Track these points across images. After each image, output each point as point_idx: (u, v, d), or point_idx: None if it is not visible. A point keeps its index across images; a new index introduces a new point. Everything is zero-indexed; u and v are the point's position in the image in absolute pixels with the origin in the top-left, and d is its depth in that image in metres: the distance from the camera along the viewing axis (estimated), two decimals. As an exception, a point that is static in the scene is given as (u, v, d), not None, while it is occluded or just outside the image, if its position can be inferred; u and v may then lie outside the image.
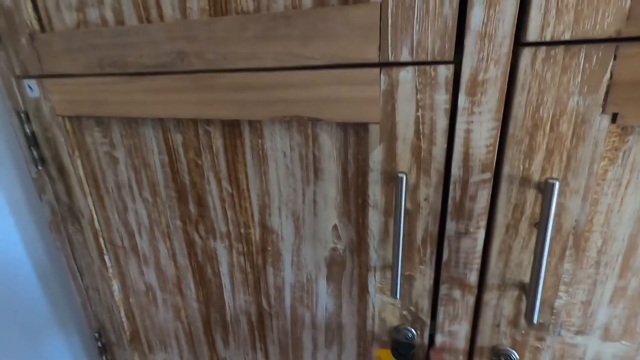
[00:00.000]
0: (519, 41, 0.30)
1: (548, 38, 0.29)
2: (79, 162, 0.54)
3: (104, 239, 0.59)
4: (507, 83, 0.31)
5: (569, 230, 0.34)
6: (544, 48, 0.29)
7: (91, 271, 0.62)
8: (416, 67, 0.33)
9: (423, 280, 0.40)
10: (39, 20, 0.47)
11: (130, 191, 0.53)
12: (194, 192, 0.49)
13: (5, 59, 0.51)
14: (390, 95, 0.34)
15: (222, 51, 0.39)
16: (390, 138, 0.36)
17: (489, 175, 0.34)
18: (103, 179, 0.54)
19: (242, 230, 0.48)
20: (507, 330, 0.39)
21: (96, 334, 0.69)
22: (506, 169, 0.33)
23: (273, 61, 0.37)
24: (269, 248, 0.48)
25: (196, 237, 0.52)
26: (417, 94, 0.34)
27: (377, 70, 0.34)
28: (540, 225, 0.31)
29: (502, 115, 0.32)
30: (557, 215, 0.33)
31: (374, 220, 0.40)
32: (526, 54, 0.30)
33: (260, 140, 0.43)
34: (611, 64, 0.28)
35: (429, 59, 0.32)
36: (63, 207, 0.58)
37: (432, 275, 0.40)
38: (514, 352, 0.39)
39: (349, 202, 0.41)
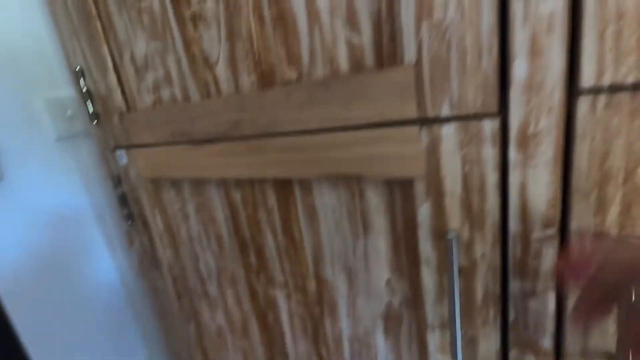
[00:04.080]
0: (574, 88, 0.27)
1: (607, 83, 0.26)
2: (158, 217, 0.62)
3: (180, 284, 0.65)
4: (565, 132, 0.28)
5: (665, 294, 0.28)
6: (604, 93, 0.26)
7: (171, 313, 0.69)
8: (458, 122, 0.32)
9: (488, 343, 0.37)
10: (126, 102, 0.57)
11: (200, 242, 0.59)
12: (254, 244, 0.52)
13: (102, 135, 0.61)
14: (433, 151, 0.34)
15: (271, 118, 0.42)
16: (437, 194, 0.35)
17: (553, 231, 0.31)
18: (178, 232, 0.61)
19: (299, 281, 0.50)
20: (599, 407, 0.33)
21: (177, 370, 0.75)
22: (574, 224, 0.30)
23: (317, 124, 0.39)
24: (325, 299, 0.48)
25: (258, 286, 0.55)
26: (461, 148, 0.32)
27: (417, 127, 0.34)
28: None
29: (562, 167, 0.29)
30: (647, 277, 0.28)
31: (428, 276, 0.38)
32: (583, 101, 0.27)
33: (310, 197, 0.44)
34: (695, 105, 0.24)
35: (472, 112, 0.31)
36: (147, 256, 0.66)
37: (499, 337, 0.36)
38: None
39: (400, 256, 0.40)
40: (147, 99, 0.54)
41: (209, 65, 0.45)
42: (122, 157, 0.60)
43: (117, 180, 0.63)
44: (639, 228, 0.28)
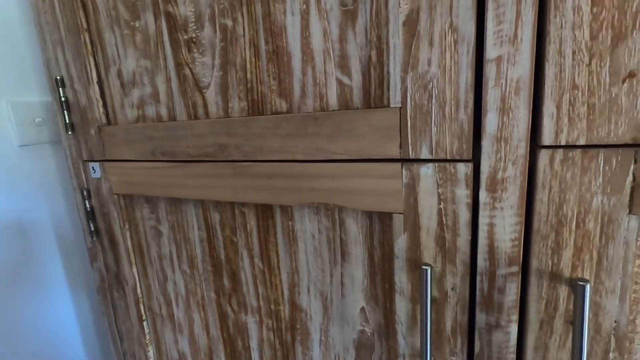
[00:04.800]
0: (536, 143, 0.31)
1: (563, 142, 0.30)
2: (128, 234, 0.60)
3: (144, 305, 0.63)
4: (528, 181, 0.32)
5: (609, 330, 0.32)
6: (561, 150, 0.30)
7: (130, 336, 0.65)
8: (436, 163, 0.35)
9: (455, 373, 0.38)
10: (107, 115, 0.56)
11: (170, 262, 0.57)
12: (228, 267, 0.52)
13: (76, 145, 0.59)
14: (412, 188, 0.36)
15: (258, 145, 0.43)
16: (414, 228, 0.37)
17: (516, 268, 0.34)
18: (148, 250, 0.59)
19: (272, 307, 0.50)
20: None
21: (130, 400, 0.70)
22: (534, 264, 0.33)
23: (302, 155, 0.41)
24: (298, 326, 0.49)
25: (229, 310, 0.54)
26: (438, 188, 0.35)
27: (398, 165, 0.36)
28: (574, 325, 0.30)
29: (524, 211, 0.32)
30: (594, 314, 0.32)
31: (401, 306, 0.40)
32: (544, 155, 0.31)
33: (290, 223, 0.45)
34: (632, 167, 0.28)
35: (448, 157, 0.34)
36: (111, 274, 0.63)
37: (465, 367, 0.38)
38: None
39: (375, 286, 0.42)
40: (130, 114, 0.53)
41: (200, 88, 0.46)
42: (95, 170, 0.59)
43: (86, 193, 0.61)
44: (587, 271, 0.31)
